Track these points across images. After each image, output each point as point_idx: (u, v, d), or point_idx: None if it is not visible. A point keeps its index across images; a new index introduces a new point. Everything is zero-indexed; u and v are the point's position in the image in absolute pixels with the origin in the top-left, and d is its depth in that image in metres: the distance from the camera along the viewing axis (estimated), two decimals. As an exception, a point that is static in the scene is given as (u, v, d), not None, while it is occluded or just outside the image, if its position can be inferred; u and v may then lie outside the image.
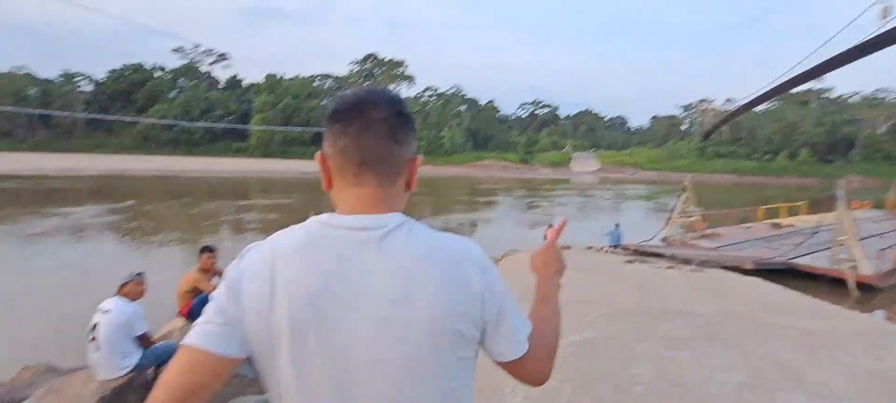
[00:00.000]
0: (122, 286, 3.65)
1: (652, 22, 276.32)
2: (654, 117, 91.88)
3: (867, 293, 8.86)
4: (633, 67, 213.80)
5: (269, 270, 0.76)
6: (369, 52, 76.25)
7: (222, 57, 77.76)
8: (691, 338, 4.63)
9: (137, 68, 72.38)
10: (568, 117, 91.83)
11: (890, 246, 11.07)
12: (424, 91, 74.71)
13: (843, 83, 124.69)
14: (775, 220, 17.16)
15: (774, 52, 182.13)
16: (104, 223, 15.93)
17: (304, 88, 70.85)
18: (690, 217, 14.85)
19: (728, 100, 64.46)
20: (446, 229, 14.94)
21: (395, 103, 0.82)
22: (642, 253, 11.45)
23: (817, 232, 11.75)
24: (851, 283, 8.88)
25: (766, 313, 5.97)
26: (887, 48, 18.92)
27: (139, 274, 3.75)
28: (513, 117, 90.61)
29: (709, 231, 14.56)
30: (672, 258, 10.57)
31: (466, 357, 0.81)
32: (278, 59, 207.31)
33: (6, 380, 4.57)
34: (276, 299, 0.74)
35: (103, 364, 3.46)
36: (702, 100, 70.90)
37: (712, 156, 61.57)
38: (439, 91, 74.52)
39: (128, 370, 3.50)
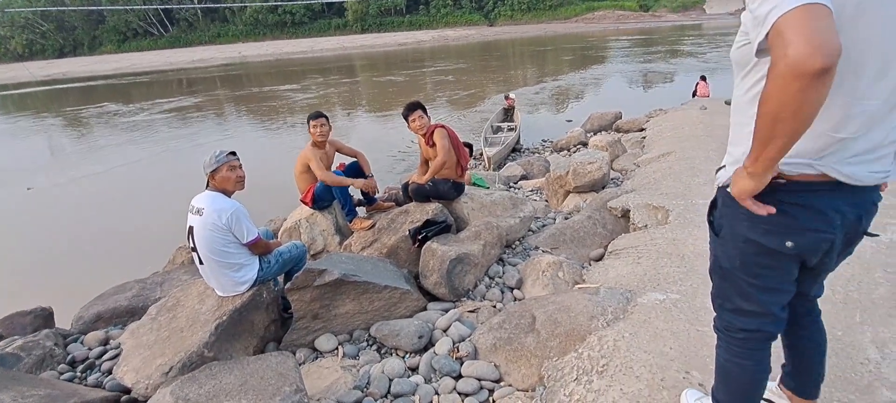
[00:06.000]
0: (213, 174, 2.60)
1: None
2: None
3: None
4: None
5: None
6: None
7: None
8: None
9: (237, -49, 73.82)
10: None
11: None
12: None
13: None
14: None
15: None
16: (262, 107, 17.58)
17: (394, -50, 67.08)
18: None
19: None
20: (554, 96, 13.62)
21: None
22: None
23: None
24: None
25: None
26: None
27: (231, 153, 2.65)
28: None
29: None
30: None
31: None
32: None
33: (159, 270, 4.27)
34: None
35: (214, 282, 2.66)
36: None
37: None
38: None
39: (247, 286, 2.65)
